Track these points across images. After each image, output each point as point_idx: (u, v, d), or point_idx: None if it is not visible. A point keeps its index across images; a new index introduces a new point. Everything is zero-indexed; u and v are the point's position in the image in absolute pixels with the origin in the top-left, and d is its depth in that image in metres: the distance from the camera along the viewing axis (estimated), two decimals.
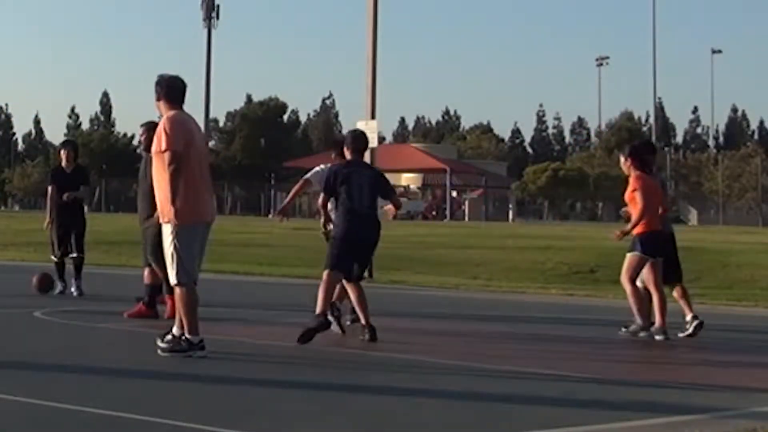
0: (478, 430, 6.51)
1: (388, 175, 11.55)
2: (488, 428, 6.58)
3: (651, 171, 11.71)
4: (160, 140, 9.04)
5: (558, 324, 12.18)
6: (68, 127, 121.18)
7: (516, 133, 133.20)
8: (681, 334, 11.48)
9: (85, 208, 15.63)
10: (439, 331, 12.09)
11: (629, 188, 11.50)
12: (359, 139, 10.87)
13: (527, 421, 6.73)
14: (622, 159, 11.73)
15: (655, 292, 11.44)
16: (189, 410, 6.71)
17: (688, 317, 11.71)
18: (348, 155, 10.78)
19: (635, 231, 11.39)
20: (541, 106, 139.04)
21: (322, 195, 10.83)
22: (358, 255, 10.63)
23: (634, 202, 11.43)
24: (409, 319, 13.01)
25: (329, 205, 10.84)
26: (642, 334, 11.51)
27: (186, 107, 9.32)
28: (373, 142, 21.87)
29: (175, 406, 6.85)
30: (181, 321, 9.14)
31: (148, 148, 10.89)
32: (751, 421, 6.68)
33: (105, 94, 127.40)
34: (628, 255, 11.44)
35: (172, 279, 9.11)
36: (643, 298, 11.56)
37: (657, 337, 11.36)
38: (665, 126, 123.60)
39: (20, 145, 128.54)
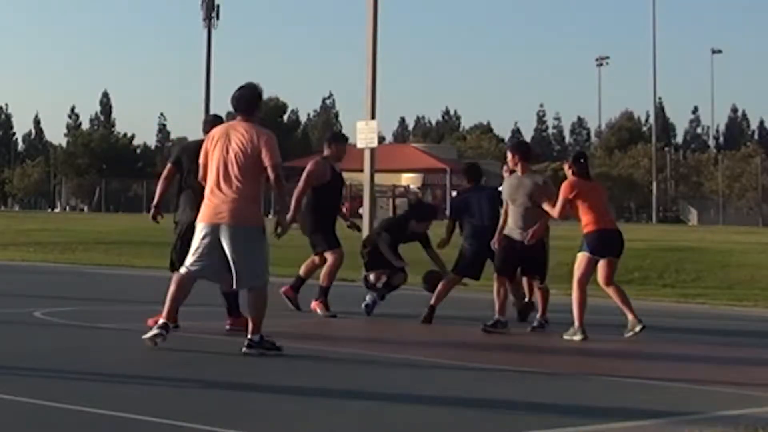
0: (478, 430, 6.51)
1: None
2: (488, 428, 6.59)
3: (588, 177, 12.15)
4: None
5: (557, 324, 12.18)
6: (68, 127, 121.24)
7: (516, 133, 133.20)
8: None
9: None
10: (440, 331, 12.09)
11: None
12: (473, 170, 13.38)
13: (527, 421, 6.73)
14: (565, 166, 12.19)
15: (611, 290, 11.70)
16: (189, 410, 6.71)
17: (539, 315, 12.44)
18: (468, 183, 13.36)
19: (583, 231, 11.60)
20: (541, 106, 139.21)
21: (448, 220, 13.32)
22: (485, 259, 12.78)
23: (575, 206, 11.74)
24: (409, 319, 13.01)
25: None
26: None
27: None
28: (373, 142, 21.91)
29: (175, 406, 6.85)
30: (254, 325, 9.23)
31: None
32: (751, 421, 6.69)
33: (105, 94, 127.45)
34: (578, 254, 11.69)
35: None
36: (584, 302, 11.67)
37: (637, 329, 11.54)
38: (665, 126, 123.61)
39: (20, 145, 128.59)
